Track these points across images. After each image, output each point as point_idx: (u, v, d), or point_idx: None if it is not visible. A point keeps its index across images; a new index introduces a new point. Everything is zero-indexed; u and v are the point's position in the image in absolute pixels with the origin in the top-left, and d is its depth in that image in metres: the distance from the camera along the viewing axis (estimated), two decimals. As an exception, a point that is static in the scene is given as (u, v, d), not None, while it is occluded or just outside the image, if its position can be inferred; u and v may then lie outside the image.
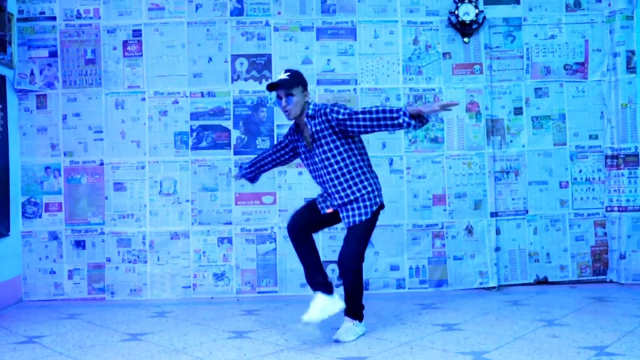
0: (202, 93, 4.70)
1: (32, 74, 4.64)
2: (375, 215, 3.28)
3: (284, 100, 3.24)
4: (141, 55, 4.68)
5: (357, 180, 3.24)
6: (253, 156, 4.64)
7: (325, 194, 3.37)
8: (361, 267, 3.32)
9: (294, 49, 4.71)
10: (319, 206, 3.36)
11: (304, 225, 3.31)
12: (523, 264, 4.75)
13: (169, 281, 4.63)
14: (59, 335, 3.54)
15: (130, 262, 4.64)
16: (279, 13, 4.71)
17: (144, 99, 4.68)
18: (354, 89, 4.71)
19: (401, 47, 4.74)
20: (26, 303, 4.53)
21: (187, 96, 4.68)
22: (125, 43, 4.69)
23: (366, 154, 3.34)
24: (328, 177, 3.26)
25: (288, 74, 3.28)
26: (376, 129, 3.12)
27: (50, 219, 4.65)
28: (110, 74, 4.68)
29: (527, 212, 4.76)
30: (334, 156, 3.23)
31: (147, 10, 4.69)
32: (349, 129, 3.16)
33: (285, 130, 4.64)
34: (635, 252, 4.64)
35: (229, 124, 4.70)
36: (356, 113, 3.12)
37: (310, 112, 3.26)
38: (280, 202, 4.65)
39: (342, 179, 3.24)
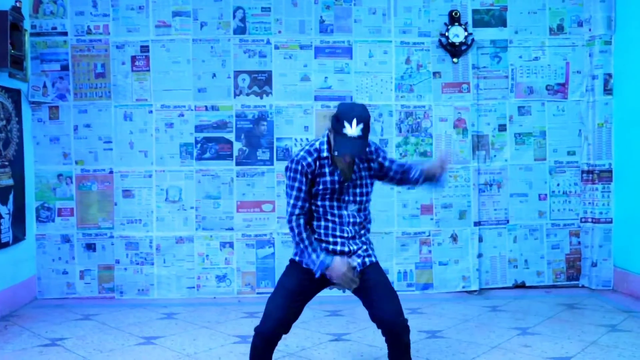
0: (206, 107, 4.98)
1: (44, 86, 4.90)
2: None
3: (355, 165, 2.74)
4: (148, 70, 4.95)
5: (369, 218, 2.89)
6: (253, 167, 5.02)
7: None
8: None
9: (293, 66, 5.00)
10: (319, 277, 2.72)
11: (286, 330, 2.78)
12: (503, 270, 5.13)
13: (175, 282, 4.97)
14: (79, 337, 3.89)
15: (138, 263, 4.96)
16: (279, 32, 4.98)
17: (151, 112, 4.96)
18: (350, 105, 5.00)
19: (394, 66, 5.04)
20: (40, 301, 4.85)
21: (192, 109, 4.97)
22: (133, 58, 4.94)
23: None
24: (356, 217, 2.79)
25: (362, 127, 2.54)
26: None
27: (62, 223, 4.95)
28: (119, 88, 4.94)
29: (508, 221, 5.12)
30: (367, 193, 2.84)
31: (155, 28, 4.94)
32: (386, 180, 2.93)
33: (284, 143, 4.99)
34: (605, 260, 5.04)
35: (231, 136, 5.00)
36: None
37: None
38: (279, 210, 4.98)
39: (363, 216, 2.82)
